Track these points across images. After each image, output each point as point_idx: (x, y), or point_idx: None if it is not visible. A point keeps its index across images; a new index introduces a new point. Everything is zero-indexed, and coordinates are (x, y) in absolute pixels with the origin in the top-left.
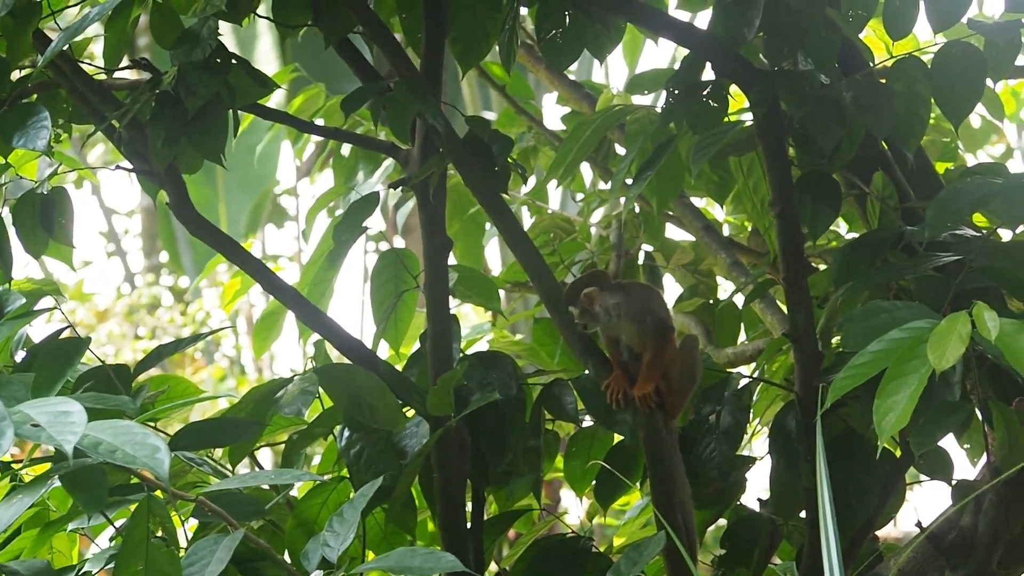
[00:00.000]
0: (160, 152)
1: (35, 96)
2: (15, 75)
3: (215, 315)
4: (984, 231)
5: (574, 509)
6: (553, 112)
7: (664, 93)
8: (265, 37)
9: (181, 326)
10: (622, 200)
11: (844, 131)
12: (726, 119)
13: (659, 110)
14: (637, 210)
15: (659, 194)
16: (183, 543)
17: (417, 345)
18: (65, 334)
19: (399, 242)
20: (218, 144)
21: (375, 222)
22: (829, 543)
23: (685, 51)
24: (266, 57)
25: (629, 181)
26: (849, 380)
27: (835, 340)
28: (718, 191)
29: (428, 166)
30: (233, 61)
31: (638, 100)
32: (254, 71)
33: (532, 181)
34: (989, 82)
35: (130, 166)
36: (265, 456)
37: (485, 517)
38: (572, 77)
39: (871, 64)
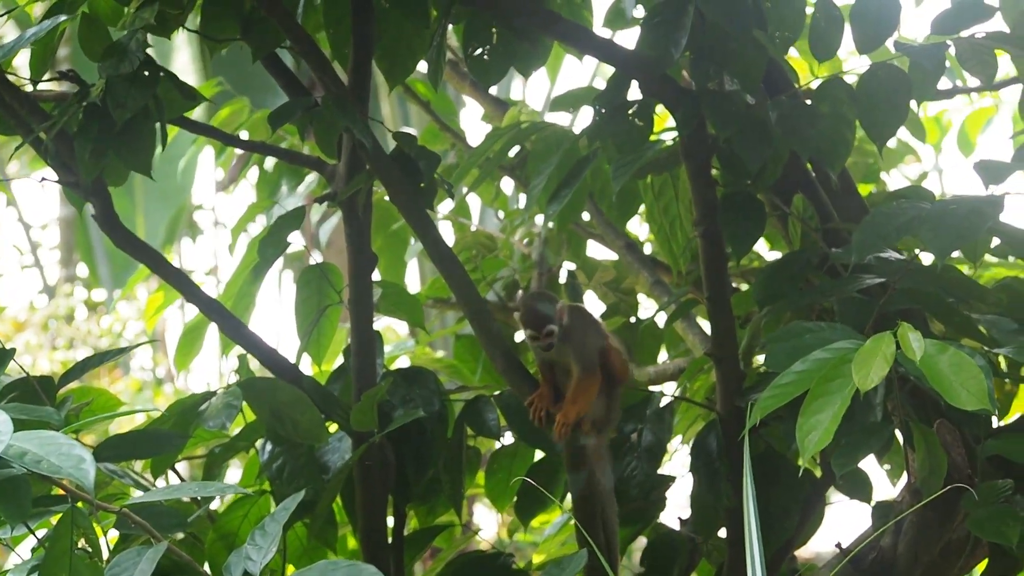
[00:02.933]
0: (87, 164)
1: None
2: None
3: (130, 327)
4: (907, 254)
5: (488, 525)
6: (474, 129)
7: (584, 110)
8: (184, 50)
9: (98, 337)
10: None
11: (769, 152)
12: (650, 138)
13: (572, 127)
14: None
15: (561, 215)
16: (105, 555)
17: (340, 360)
18: None
19: (319, 257)
20: (145, 157)
21: (296, 237)
22: (754, 562)
23: (607, 69)
24: (185, 70)
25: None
26: (773, 400)
27: (757, 360)
28: (621, 213)
29: (355, 182)
30: (161, 74)
31: (555, 117)
32: (182, 84)
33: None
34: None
35: (56, 177)
36: (183, 469)
37: (406, 532)
38: (493, 93)
39: (797, 85)
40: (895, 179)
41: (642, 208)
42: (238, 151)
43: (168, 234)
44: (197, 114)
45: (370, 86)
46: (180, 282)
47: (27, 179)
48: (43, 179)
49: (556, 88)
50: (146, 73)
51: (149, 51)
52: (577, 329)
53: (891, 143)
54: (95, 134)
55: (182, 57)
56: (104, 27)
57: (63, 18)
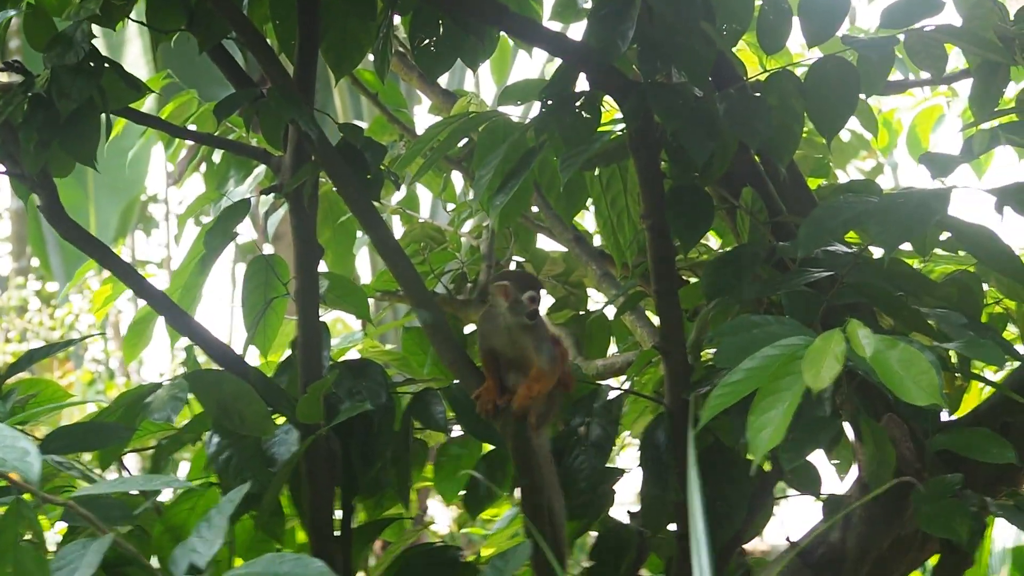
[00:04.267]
0: (32, 155)
1: None
2: None
3: (83, 319)
4: (855, 248)
5: (441, 519)
6: (425, 121)
7: (534, 104)
8: (135, 42)
9: (50, 329)
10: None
11: (717, 144)
12: (597, 130)
13: (515, 118)
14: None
15: (503, 212)
16: (52, 547)
17: (287, 352)
18: None
19: (269, 249)
20: (90, 148)
21: (246, 229)
22: (701, 557)
23: (557, 64)
24: (136, 62)
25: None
26: (723, 399)
27: (705, 353)
28: (568, 206)
29: (301, 174)
30: (106, 65)
31: (505, 110)
32: (127, 75)
33: (403, 190)
34: (862, 96)
35: (1, 168)
36: (131, 461)
37: (354, 525)
38: (444, 87)
39: (745, 78)
40: (851, 175)
41: (590, 201)
42: (188, 143)
43: (120, 226)
44: (148, 107)
45: (315, 78)
46: (126, 274)
47: None
48: None
49: (509, 80)
50: (91, 64)
51: (99, 43)
52: (540, 320)
53: (844, 137)
54: (40, 125)
55: (133, 49)
56: (50, 18)
57: (11, 13)
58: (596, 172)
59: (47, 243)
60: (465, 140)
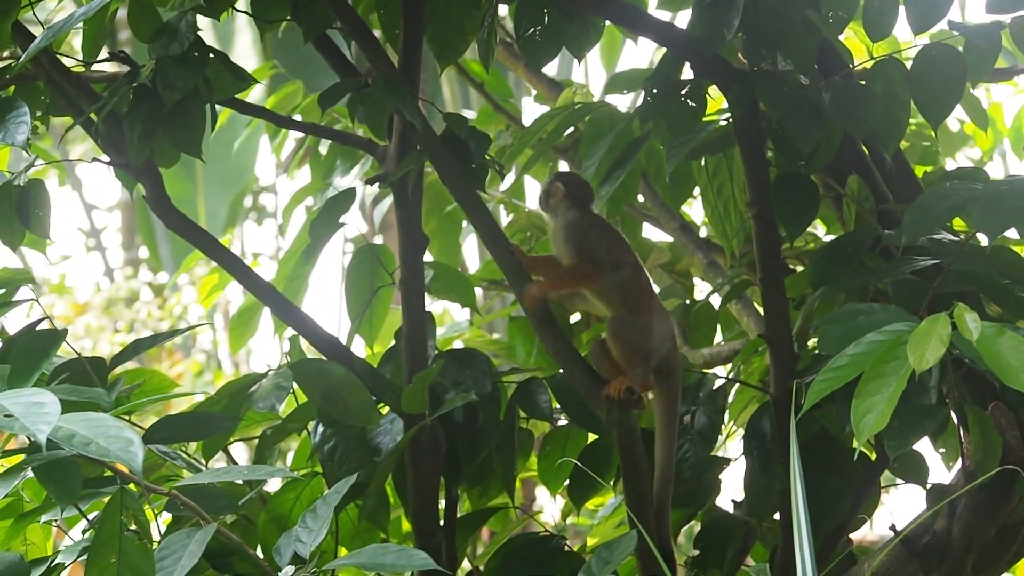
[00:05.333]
0: (137, 145)
1: (12, 88)
2: None
3: (193, 310)
4: (962, 235)
5: (550, 508)
6: (532, 111)
7: (641, 93)
8: (244, 33)
9: (159, 320)
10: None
11: (822, 133)
12: (703, 119)
13: (621, 108)
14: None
15: (611, 200)
16: (156, 537)
17: (392, 342)
18: (42, 326)
19: (377, 239)
20: (195, 138)
21: (354, 219)
22: (802, 545)
23: (664, 52)
24: (246, 53)
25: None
26: (827, 383)
27: (811, 342)
28: (675, 194)
29: (405, 163)
30: (211, 55)
31: (612, 99)
32: (232, 65)
33: (510, 179)
34: (969, 86)
35: (107, 159)
36: (239, 451)
37: (459, 515)
38: (553, 76)
39: (850, 66)
40: (960, 163)
41: (697, 189)
42: (295, 134)
43: (229, 217)
44: (256, 97)
45: (420, 67)
46: (232, 264)
47: (80, 161)
48: (93, 159)
49: (617, 70)
50: (196, 54)
51: (208, 33)
52: (587, 223)
53: (953, 126)
54: (145, 115)
55: (242, 40)
56: (154, 8)
57: None
58: (703, 161)
59: (156, 234)
60: (571, 129)
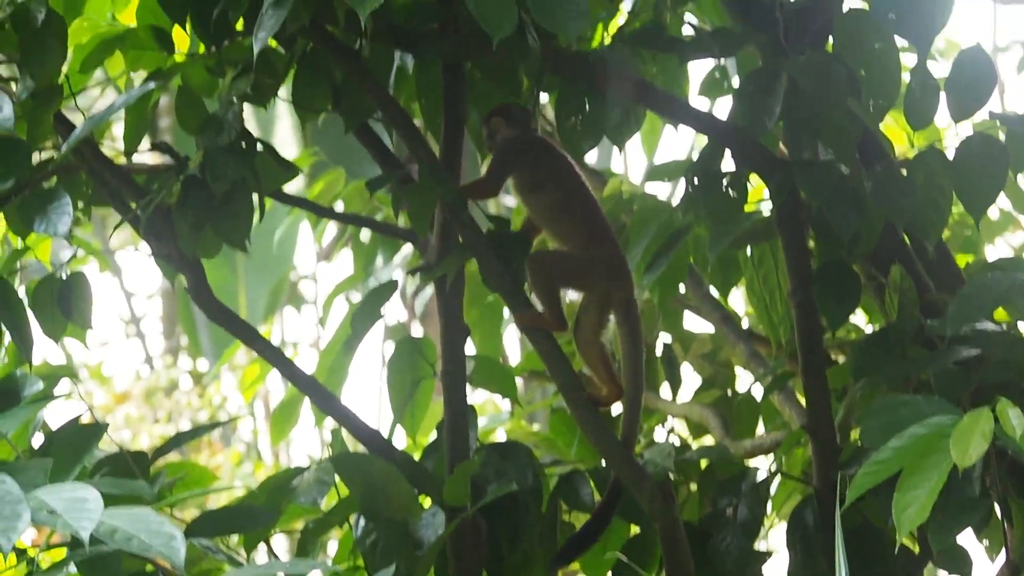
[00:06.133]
0: (187, 237)
1: (55, 179)
2: (35, 158)
3: (232, 398)
4: (1004, 325)
5: None
6: None
7: (682, 183)
8: (285, 119)
9: (198, 409)
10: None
11: (864, 222)
12: (744, 208)
13: (666, 199)
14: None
15: (661, 287)
16: None
17: (434, 434)
18: (83, 419)
19: (417, 327)
20: (243, 229)
21: (394, 308)
22: None
23: (705, 140)
24: (286, 139)
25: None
26: (870, 477)
27: (854, 433)
28: (723, 282)
29: (448, 262)
30: (258, 145)
31: (652, 188)
32: (279, 157)
33: None
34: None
35: (149, 249)
36: (280, 543)
37: None
38: (591, 163)
39: (891, 155)
40: (1000, 249)
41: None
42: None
43: (269, 305)
44: (297, 184)
45: (461, 157)
46: (273, 355)
47: (122, 252)
48: (136, 250)
49: (656, 159)
50: (243, 145)
51: (250, 121)
52: (514, 141)
53: (992, 214)
54: (194, 206)
55: (282, 126)
56: (200, 100)
57: (152, 85)
58: (748, 250)
59: (197, 323)
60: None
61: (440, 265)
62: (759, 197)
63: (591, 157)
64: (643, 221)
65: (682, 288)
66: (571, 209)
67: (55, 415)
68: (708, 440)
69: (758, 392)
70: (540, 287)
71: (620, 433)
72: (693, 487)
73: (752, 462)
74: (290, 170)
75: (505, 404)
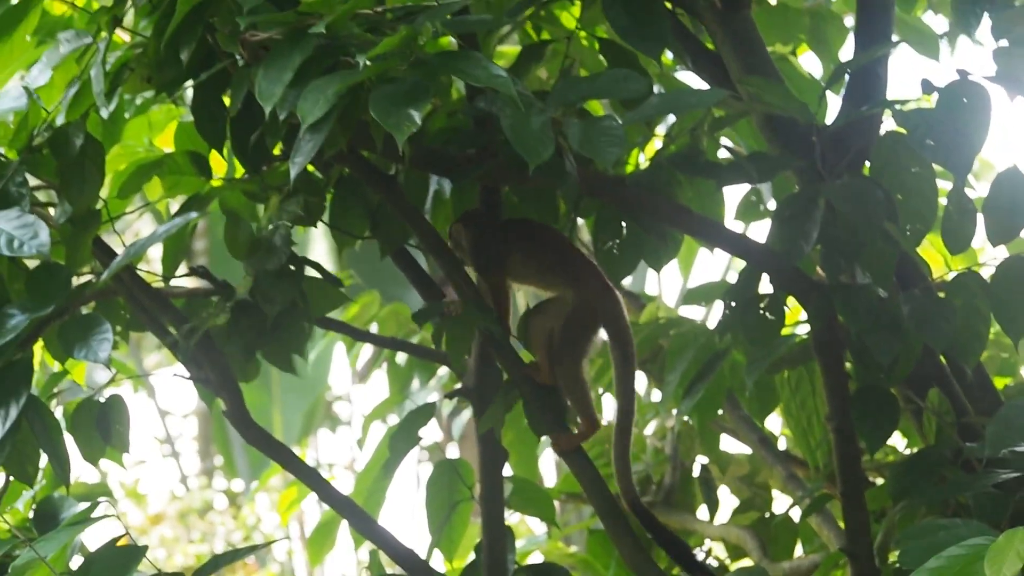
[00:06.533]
0: (238, 363)
1: (93, 304)
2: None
3: (267, 519)
4: None
5: None
6: None
7: (718, 305)
8: (320, 242)
9: (233, 530)
10: (675, 411)
11: (901, 346)
12: (782, 332)
13: (704, 322)
14: (692, 422)
15: (700, 410)
16: None
17: (472, 556)
18: (121, 541)
19: (454, 449)
20: (295, 352)
21: (430, 430)
22: None
23: (740, 261)
24: (321, 262)
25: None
26: None
27: (892, 555)
28: (760, 407)
29: (491, 413)
30: (308, 270)
31: (689, 311)
32: (330, 276)
33: None
34: None
35: (187, 373)
36: None
37: None
38: (628, 287)
39: (929, 278)
40: None
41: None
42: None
43: (304, 426)
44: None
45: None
46: (311, 478)
47: (160, 375)
48: (175, 375)
49: (691, 279)
50: (292, 268)
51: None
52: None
53: None
54: (245, 331)
55: (318, 248)
56: (248, 224)
57: (194, 215)
58: (785, 374)
59: (232, 443)
60: None
61: (487, 415)
62: (796, 320)
63: (626, 279)
64: (681, 346)
65: (719, 410)
66: (551, 263)
67: (91, 535)
68: (746, 562)
69: (796, 514)
70: (565, 380)
71: (613, 465)
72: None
73: None
74: (340, 292)
75: (542, 526)
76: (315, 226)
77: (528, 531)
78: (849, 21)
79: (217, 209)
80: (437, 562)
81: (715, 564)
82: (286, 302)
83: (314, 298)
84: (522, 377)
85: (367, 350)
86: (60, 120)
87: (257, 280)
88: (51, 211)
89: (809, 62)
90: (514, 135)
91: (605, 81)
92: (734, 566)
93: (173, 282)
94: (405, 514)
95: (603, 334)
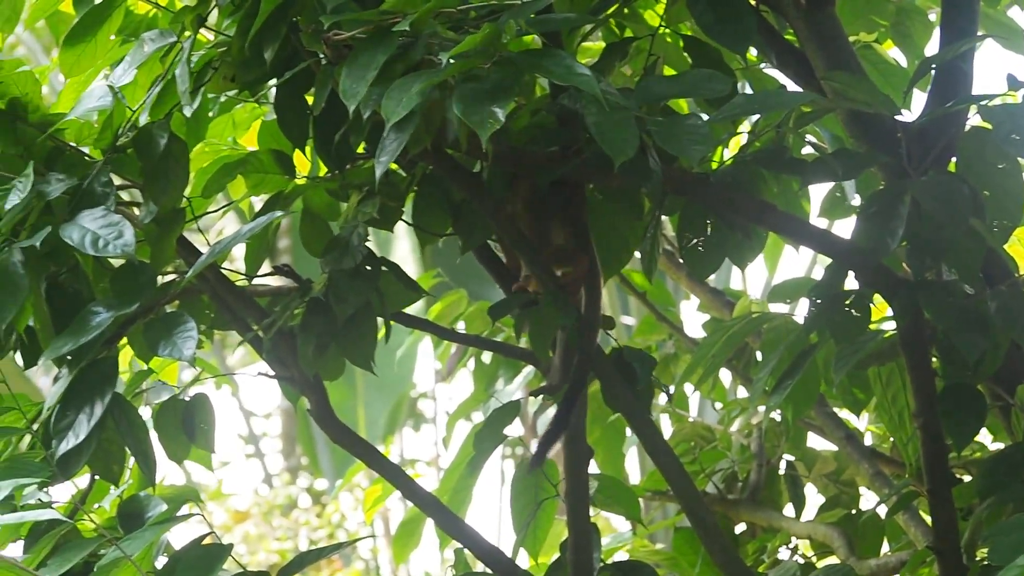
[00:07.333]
0: (310, 360)
1: (177, 303)
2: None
3: (351, 516)
4: None
5: None
6: (694, 319)
7: (804, 301)
8: (404, 240)
9: (316, 528)
10: (762, 408)
11: (988, 342)
12: (868, 328)
13: (797, 318)
14: (778, 419)
15: (794, 404)
16: None
17: (557, 554)
18: (206, 540)
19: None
20: (367, 351)
21: (515, 427)
22: None
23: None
24: (406, 259)
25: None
26: None
27: (980, 552)
28: (855, 403)
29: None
30: (383, 268)
31: (774, 307)
32: (405, 277)
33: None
34: None
35: (271, 372)
36: None
37: None
38: (712, 284)
39: (1016, 274)
40: None
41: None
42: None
43: (389, 425)
44: (417, 306)
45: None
46: (395, 476)
47: (244, 374)
48: (259, 373)
49: (777, 274)
50: (368, 267)
51: (371, 240)
52: None
53: None
54: (318, 329)
55: (402, 246)
56: (324, 222)
57: (278, 214)
58: (876, 369)
59: (316, 442)
60: None
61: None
62: (882, 316)
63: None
64: (773, 341)
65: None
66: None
67: (176, 535)
68: (832, 560)
69: (883, 511)
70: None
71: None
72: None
73: None
74: (416, 290)
75: (627, 523)
76: (391, 230)
77: (613, 529)
78: (934, 16)
79: (301, 207)
80: (522, 560)
81: (801, 562)
82: (360, 302)
83: (390, 295)
84: (588, 340)
85: (453, 348)
86: (144, 119)
87: (332, 279)
88: (135, 210)
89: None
90: (598, 133)
91: (689, 80)
92: (820, 564)
93: (256, 280)
94: (490, 512)
95: None
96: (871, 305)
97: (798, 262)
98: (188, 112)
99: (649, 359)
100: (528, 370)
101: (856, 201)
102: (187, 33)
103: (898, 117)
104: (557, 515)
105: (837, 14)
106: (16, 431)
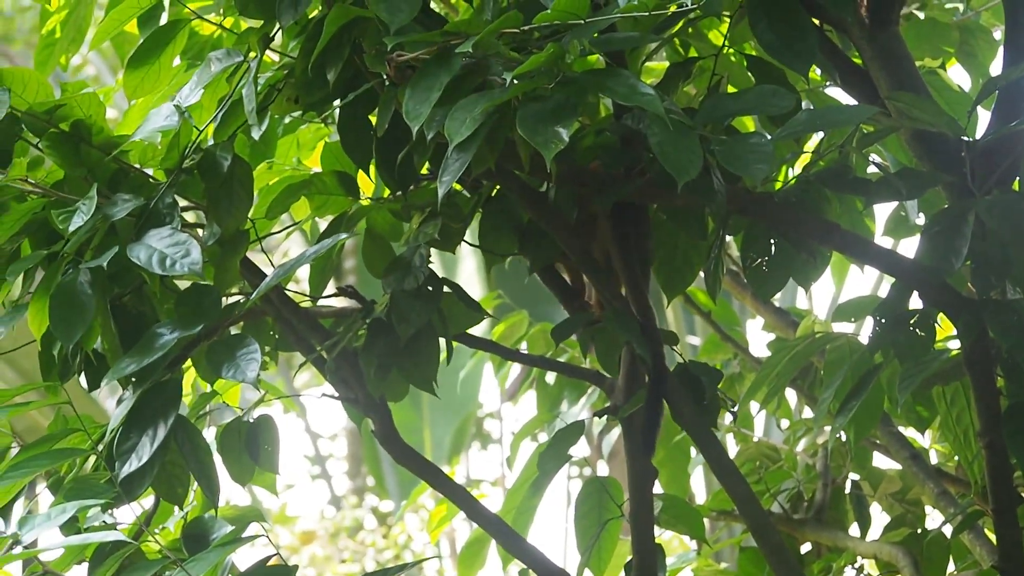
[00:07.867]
0: (373, 381)
1: (241, 324)
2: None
3: (417, 537)
4: None
5: None
6: (759, 338)
7: (869, 320)
8: (469, 260)
9: (382, 549)
10: (827, 428)
11: None
12: (933, 348)
13: (860, 338)
14: (844, 438)
15: (856, 424)
16: None
17: (622, 574)
18: (272, 561)
19: (603, 467)
20: (429, 372)
21: (580, 447)
22: None
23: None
24: (470, 280)
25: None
26: None
27: None
28: (919, 421)
29: (636, 400)
30: (445, 288)
31: (839, 326)
32: (467, 298)
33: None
34: None
35: (336, 394)
36: None
37: None
38: (777, 303)
39: None
40: None
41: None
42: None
43: (454, 445)
44: (481, 327)
45: (647, 299)
46: (460, 497)
47: (309, 395)
48: (323, 395)
49: (844, 292)
50: (430, 288)
51: (436, 261)
52: None
53: None
54: (380, 350)
55: (467, 267)
56: (387, 243)
57: (343, 236)
58: (941, 389)
59: (382, 463)
60: None
61: (629, 403)
62: (947, 335)
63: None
64: (836, 361)
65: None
66: None
67: (242, 557)
68: None
69: (948, 531)
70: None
71: None
72: None
73: None
74: (478, 310)
75: (692, 543)
76: (453, 251)
77: (679, 548)
78: (998, 34)
79: (364, 228)
80: None
81: None
82: (421, 323)
83: (452, 316)
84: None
85: (516, 369)
86: (209, 141)
87: (393, 299)
88: (199, 232)
89: (957, 76)
90: (662, 152)
91: (753, 97)
92: None
93: (321, 302)
94: (555, 532)
95: None
96: (936, 324)
97: (866, 279)
98: (256, 133)
99: (715, 372)
100: (592, 391)
101: (920, 220)
102: (253, 53)
103: (962, 137)
104: (622, 535)
105: (901, 35)
106: (81, 452)
